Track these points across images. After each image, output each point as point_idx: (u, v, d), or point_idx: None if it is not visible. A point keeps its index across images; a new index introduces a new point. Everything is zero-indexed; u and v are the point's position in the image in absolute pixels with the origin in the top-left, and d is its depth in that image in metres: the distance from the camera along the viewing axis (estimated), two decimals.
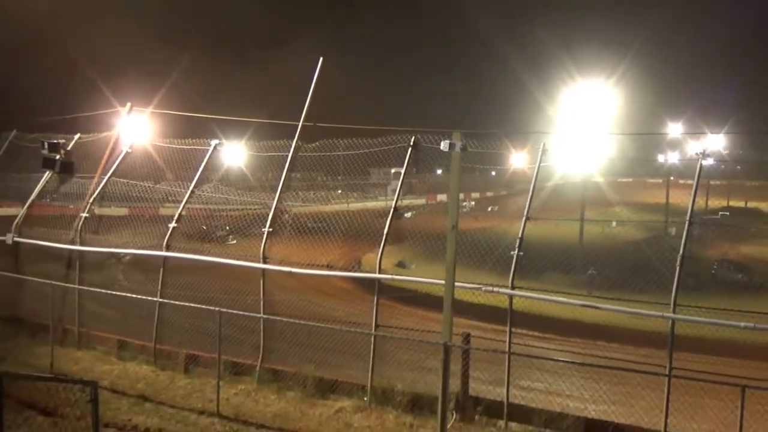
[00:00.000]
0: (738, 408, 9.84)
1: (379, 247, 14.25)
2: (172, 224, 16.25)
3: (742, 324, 12.49)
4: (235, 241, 21.02)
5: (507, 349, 13.08)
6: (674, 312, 11.82)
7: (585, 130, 35.63)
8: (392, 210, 14.48)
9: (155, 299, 15.80)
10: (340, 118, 17.75)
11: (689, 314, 12.28)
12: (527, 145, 21.73)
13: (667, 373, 11.81)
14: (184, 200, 16.46)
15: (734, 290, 24.93)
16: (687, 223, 12.64)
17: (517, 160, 24.89)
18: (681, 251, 12.20)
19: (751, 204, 52.77)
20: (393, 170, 17.78)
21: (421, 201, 28.87)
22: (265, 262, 15.00)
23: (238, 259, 16.07)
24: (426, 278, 14.38)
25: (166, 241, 16.18)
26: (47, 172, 18.81)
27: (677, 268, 12.06)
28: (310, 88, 16.19)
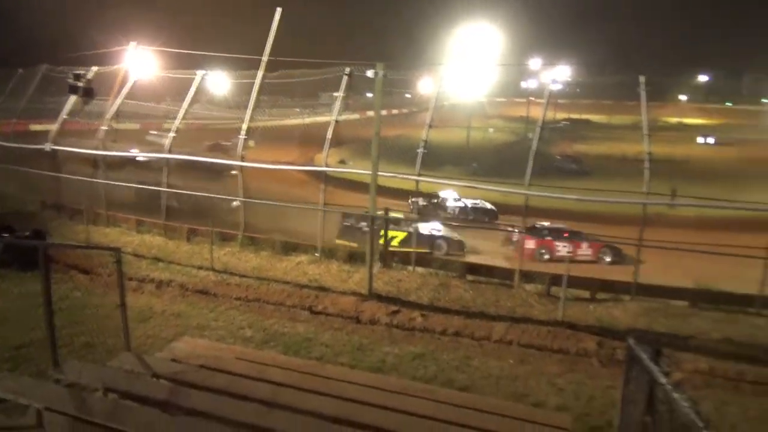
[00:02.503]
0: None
1: (327, 149, 14.12)
2: (171, 134, 15.59)
3: (573, 197, 13.02)
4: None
5: (413, 218, 13.34)
6: (528, 189, 12.19)
7: (473, 62, 35.22)
8: (333, 121, 14.22)
9: (162, 189, 15.37)
10: (297, 51, 16.98)
11: (538, 190, 12.69)
12: (432, 73, 21.42)
13: (521, 230, 12.33)
14: (178, 117, 15.74)
15: (569, 176, 25.68)
16: (539, 129, 12.83)
17: (424, 85, 24.53)
18: (533, 148, 12.44)
19: (584, 116, 53.76)
20: (335, 93, 17.31)
21: (356, 116, 28.25)
22: (242, 161, 14.64)
23: (221, 159, 15.67)
24: (358, 170, 14.36)
25: (168, 146, 15.57)
26: (73, 96, 17.66)
27: (530, 161, 12.32)
28: (270, 30, 15.35)
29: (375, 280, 11.39)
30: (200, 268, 12.70)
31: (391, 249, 13.15)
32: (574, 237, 16.82)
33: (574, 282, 11.09)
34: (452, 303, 10.91)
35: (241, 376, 6.07)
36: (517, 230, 12.83)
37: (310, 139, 18.06)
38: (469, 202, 20.73)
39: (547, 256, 16.57)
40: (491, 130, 41.25)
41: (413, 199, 19.46)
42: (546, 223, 17.31)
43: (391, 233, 14.75)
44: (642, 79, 12.46)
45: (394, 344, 9.05)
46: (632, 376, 4.43)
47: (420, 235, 15.04)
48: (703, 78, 68.00)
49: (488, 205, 20.54)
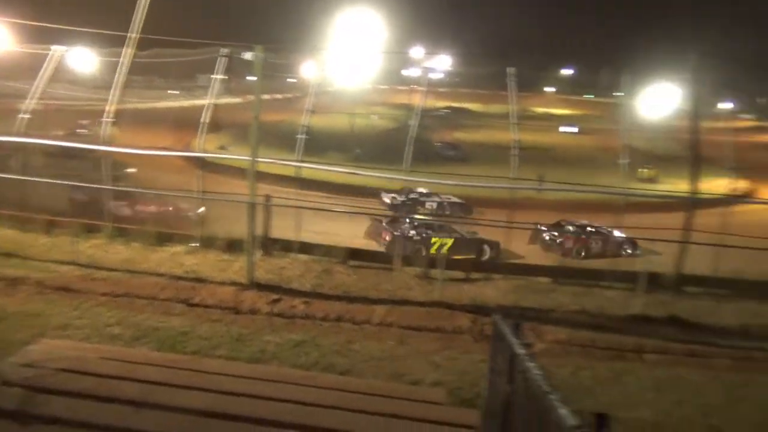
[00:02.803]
0: None
1: (203, 134, 13.54)
2: (23, 115, 14.06)
3: (451, 182, 13.62)
4: None
5: (296, 205, 13.20)
6: (408, 174, 12.56)
7: (356, 48, 35.15)
8: (210, 104, 13.70)
9: (17, 177, 13.82)
10: (171, 29, 15.96)
11: (418, 176, 13.14)
12: (315, 58, 21.21)
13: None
14: (32, 97, 14.24)
15: (448, 162, 26.70)
16: (417, 116, 13.23)
17: (308, 69, 24.22)
18: (412, 135, 12.83)
19: (464, 104, 55.92)
20: (213, 76, 16.61)
21: (238, 100, 27.29)
22: (108, 145, 13.58)
23: (86, 144, 14.44)
24: (236, 155, 13.96)
25: (23, 128, 14.01)
26: None
27: (409, 147, 12.68)
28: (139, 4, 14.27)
29: (256, 269, 11.12)
30: (61, 262, 11.54)
31: (440, 257, 12.69)
32: (600, 232, 16.44)
33: (450, 264, 11.63)
34: (334, 289, 10.97)
35: (107, 377, 5.70)
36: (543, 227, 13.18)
37: (187, 123, 17.15)
38: (444, 198, 19.72)
39: (583, 254, 16.00)
40: (374, 116, 41.61)
41: (392, 195, 19.06)
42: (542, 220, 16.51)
43: (439, 240, 14.35)
44: (511, 70, 13.25)
45: (275, 333, 8.92)
46: (498, 349, 4.74)
47: (467, 241, 14.80)
48: (567, 71, 73.73)
49: (459, 200, 19.80)
